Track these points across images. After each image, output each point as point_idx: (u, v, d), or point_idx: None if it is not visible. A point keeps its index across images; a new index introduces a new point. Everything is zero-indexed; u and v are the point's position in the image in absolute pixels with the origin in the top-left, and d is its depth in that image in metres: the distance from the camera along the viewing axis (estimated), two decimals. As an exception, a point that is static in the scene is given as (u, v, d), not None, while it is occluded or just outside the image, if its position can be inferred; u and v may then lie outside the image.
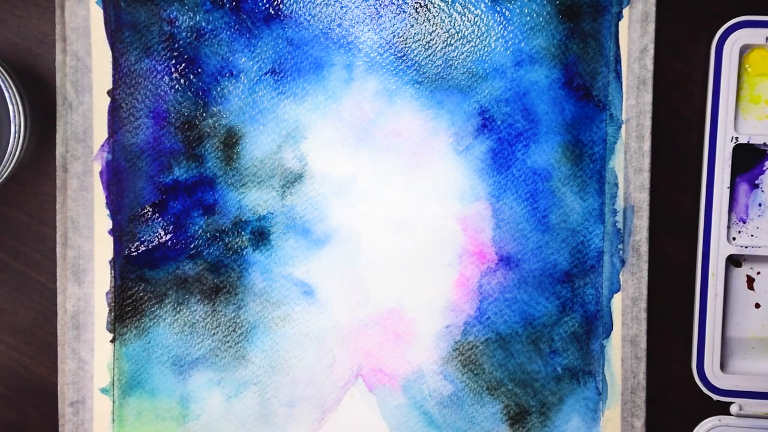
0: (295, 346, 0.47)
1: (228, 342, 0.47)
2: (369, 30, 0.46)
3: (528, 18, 0.46)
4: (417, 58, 0.46)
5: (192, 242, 0.47)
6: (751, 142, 0.46)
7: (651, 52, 0.46)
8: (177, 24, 0.46)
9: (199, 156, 0.46)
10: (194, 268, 0.47)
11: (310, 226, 0.47)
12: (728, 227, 0.47)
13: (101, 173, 0.46)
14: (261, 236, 0.47)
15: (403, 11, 0.46)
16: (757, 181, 0.48)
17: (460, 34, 0.46)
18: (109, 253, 0.46)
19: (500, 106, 0.46)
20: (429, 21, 0.46)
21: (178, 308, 0.47)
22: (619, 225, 0.46)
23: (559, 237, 0.47)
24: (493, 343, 0.47)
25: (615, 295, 0.47)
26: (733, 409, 0.47)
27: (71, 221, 0.46)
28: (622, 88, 0.46)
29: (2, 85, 0.43)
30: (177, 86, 0.46)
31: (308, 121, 0.46)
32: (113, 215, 0.46)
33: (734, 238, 0.48)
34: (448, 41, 0.46)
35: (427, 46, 0.46)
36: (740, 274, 0.48)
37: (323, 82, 0.46)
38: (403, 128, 0.47)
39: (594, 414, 0.47)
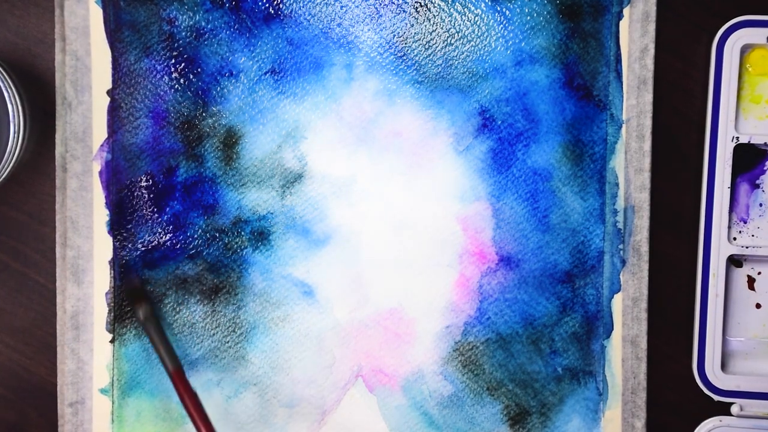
0: (294, 347, 0.47)
1: (228, 342, 0.47)
2: (369, 29, 0.46)
3: (528, 17, 0.46)
4: (417, 58, 0.46)
5: (191, 242, 0.47)
6: (751, 142, 0.46)
7: (651, 51, 0.46)
8: (176, 23, 0.46)
9: (199, 156, 0.46)
10: (194, 268, 0.47)
11: (310, 226, 0.47)
12: (729, 227, 0.47)
13: (101, 173, 0.46)
14: (261, 236, 0.47)
15: (403, 11, 0.46)
16: (757, 181, 0.47)
17: (460, 34, 0.46)
18: (108, 254, 0.46)
19: (500, 106, 0.46)
20: (429, 20, 0.46)
21: (177, 308, 0.47)
22: (620, 225, 0.46)
23: (559, 237, 0.47)
24: (494, 344, 0.47)
25: (615, 296, 0.47)
26: (734, 409, 0.47)
27: (71, 221, 0.46)
28: (622, 87, 0.46)
29: (1, 85, 0.43)
30: (176, 86, 0.46)
31: (308, 120, 0.46)
32: (112, 215, 0.46)
33: (735, 239, 0.48)
34: (449, 41, 0.46)
35: (427, 46, 0.46)
36: (741, 274, 0.48)
37: (323, 82, 0.46)
38: (403, 128, 0.47)
39: (594, 414, 0.47)
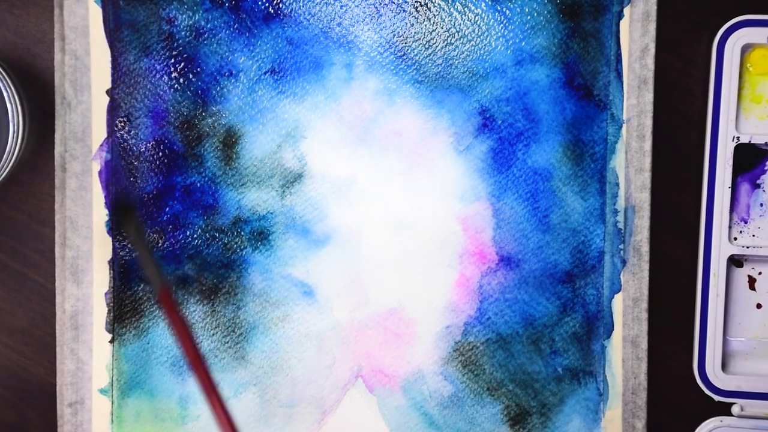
0: (294, 347, 0.47)
1: (227, 342, 0.47)
2: (369, 29, 0.46)
3: (528, 17, 0.46)
4: (417, 58, 0.46)
5: (191, 242, 0.46)
6: (752, 141, 0.46)
7: (652, 51, 0.46)
8: (176, 23, 0.46)
9: (199, 156, 0.46)
10: (193, 268, 0.47)
11: (309, 226, 0.47)
12: (729, 227, 0.47)
13: (100, 173, 0.46)
14: (260, 236, 0.46)
15: (404, 10, 0.46)
16: (758, 181, 0.47)
17: (460, 33, 0.46)
18: (108, 253, 0.46)
19: (501, 106, 0.46)
20: (429, 20, 0.46)
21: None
22: (620, 225, 0.46)
23: (559, 237, 0.47)
24: (494, 344, 0.47)
25: (616, 296, 0.47)
26: (735, 409, 0.47)
27: (70, 221, 0.46)
28: (623, 87, 0.46)
29: (1, 85, 0.43)
30: (176, 85, 0.46)
31: (308, 120, 0.46)
32: (112, 215, 0.46)
33: (735, 239, 0.47)
34: (449, 40, 0.46)
35: (427, 46, 0.46)
36: (742, 274, 0.48)
37: (323, 82, 0.46)
38: (403, 128, 0.46)
39: (595, 415, 0.47)
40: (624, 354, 0.47)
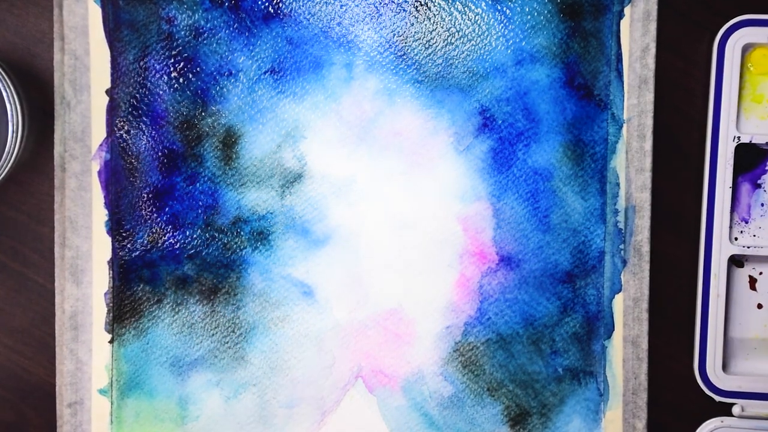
0: (294, 347, 0.47)
1: (227, 343, 0.47)
2: (369, 29, 0.46)
3: (529, 17, 0.46)
4: (417, 57, 0.46)
5: (191, 242, 0.46)
6: (753, 141, 0.46)
7: (652, 51, 0.46)
8: (176, 23, 0.46)
9: (198, 155, 0.46)
10: (193, 268, 0.46)
11: (309, 226, 0.47)
12: (730, 227, 0.47)
13: (99, 173, 0.46)
14: (260, 236, 0.46)
15: (404, 10, 0.46)
16: (759, 181, 0.47)
17: (460, 33, 0.46)
18: (107, 254, 0.46)
19: (501, 106, 0.46)
20: (429, 19, 0.46)
21: (176, 309, 0.47)
22: (621, 225, 0.46)
23: (560, 237, 0.46)
24: (494, 344, 0.47)
25: (616, 296, 0.46)
26: (736, 410, 0.47)
27: (69, 221, 0.46)
28: (623, 87, 0.46)
29: (0, 85, 0.43)
30: (176, 85, 0.46)
31: (308, 120, 0.46)
32: (112, 215, 0.46)
33: (736, 239, 0.47)
34: (449, 40, 0.46)
35: (427, 45, 0.46)
36: (742, 274, 0.48)
37: (323, 81, 0.46)
38: (403, 128, 0.46)
39: (595, 415, 0.47)
40: (624, 354, 0.47)
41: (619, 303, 0.46)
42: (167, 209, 0.46)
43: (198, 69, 0.46)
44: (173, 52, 0.46)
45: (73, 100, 0.46)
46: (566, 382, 0.47)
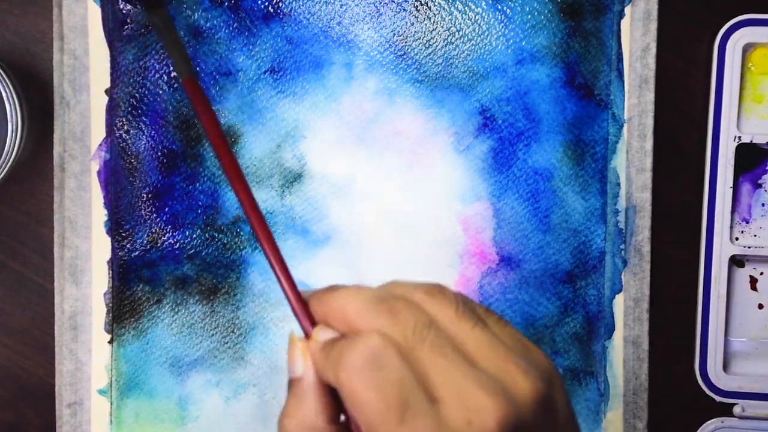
0: (294, 347, 0.47)
1: (227, 343, 0.47)
2: (369, 28, 0.46)
3: (529, 16, 0.46)
4: (417, 57, 0.46)
5: (190, 242, 0.46)
6: (753, 141, 0.46)
7: (653, 50, 0.45)
8: (175, 22, 0.46)
9: (198, 155, 0.46)
10: (193, 268, 0.46)
11: (309, 226, 0.46)
12: (731, 227, 0.47)
13: (99, 173, 0.46)
14: (260, 236, 0.46)
15: (404, 9, 0.46)
16: (759, 181, 0.47)
17: (460, 33, 0.46)
18: (107, 254, 0.46)
19: (501, 105, 0.46)
20: (429, 19, 0.46)
21: (176, 309, 0.46)
22: (621, 225, 0.46)
23: (560, 237, 0.46)
24: (494, 344, 0.47)
25: (617, 296, 0.46)
26: (736, 410, 0.47)
27: (69, 221, 0.46)
28: (623, 86, 0.46)
29: (-1, 84, 0.43)
30: (175, 85, 0.46)
31: (308, 120, 0.46)
32: (111, 215, 0.46)
33: (737, 239, 0.47)
34: (449, 39, 0.46)
35: (427, 45, 0.46)
36: (743, 274, 0.48)
37: (323, 81, 0.46)
38: (403, 127, 0.46)
39: (596, 415, 0.47)
40: (625, 354, 0.46)
41: (619, 303, 0.46)
42: (167, 209, 0.46)
43: (198, 69, 0.46)
44: (173, 52, 0.46)
45: (72, 100, 0.46)
46: (566, 382, 0.47)
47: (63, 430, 0.46)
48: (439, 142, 0.46)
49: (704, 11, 0.47)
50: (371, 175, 0.46)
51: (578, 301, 0.47)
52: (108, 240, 0.46)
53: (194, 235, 0.46)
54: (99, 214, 0.46)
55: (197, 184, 0.46)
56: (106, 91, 0.46)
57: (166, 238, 0.46)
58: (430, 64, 0.46)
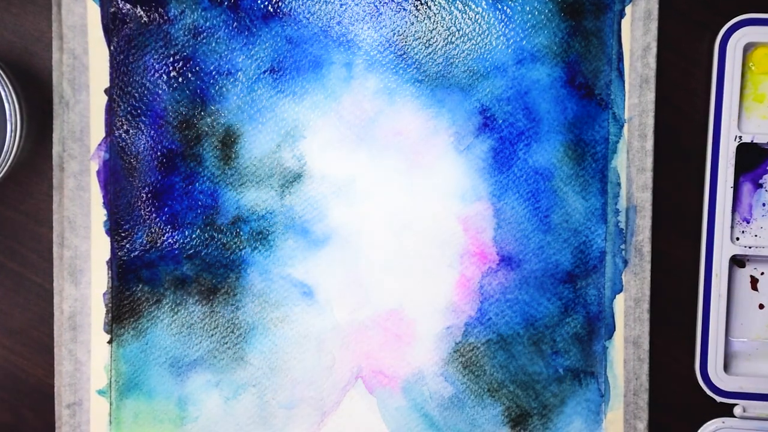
0: (294, 348, 0.47)
1: (226, 343, 0.47)
2: (369, 28, 0.46)
3: (529, 16, 0.46)
4: (417, 57, 0.46)
5: (190, 242, 0.46)
6: (754, 141, 0.46)
7: (654, 50, 0.45)
8: (175, 22, 0.46)
9: (197, 155, 0.46)
10: (192, 268, 0.46)
11: (309, 226, 0.46)
12: (732, 227, 0.47)
13: (98, 172, 0.46)
14: (260, 236, 0.46)
15: (404, 9, 0.46)
16: (760, 181, 0.47)
17: (461, 32, 0.46)
18: (106, 254, 0.46)
19: (501, 105, 0.46)
20: (429, 19, 0.46)
21: (175, 309, 0.46)
22: (622, 225, 0.46)
23: (561, 237, 0.46)
24: (494, 345, 0.47)
25: (617, 296, 0.46)
26: (737, 411, 0.47)
27: (68, 221, 0.46)
28: (624, 86, 0.46)
29: (-2, 84, 0.43)
30: (175, 85, 0.46)
31: (307, 120, 0.46)
32: (110, 215, 0.46)
33: (738, 239, 0.47)
34: (449, 39, 0.46)
35: (427, 44, 0.46)
36: (744, 274, 0.48)
37: (322, 81, 0.46)
38: (403, 127, 0.46)
39: (596, 416, 0.47)
40: (625, 355, 0.46)
41: (620, 303, 0.46)
42: (166, 209, 0.46)
43: (197, 68, 0.46)
44: (172, 52, 0.46)
45: (71, 100, 0.45)
46: (567, 382, 0.47)
47: (62, 431, 0.46)
48: (440, 141, 0.46)
49: (705, 11, 0.47)
50: (371, 175, 0.46)
51: (579, 301, 0.46)
52: (107, 240, 0.46)
53: (194, 235, 0.46)
54: (98, 214, 0.46)
55: (196, 183, 0.46)
56: (106, 91, 0.46)
57: (165, 238, 0.46)
58: (430, 63, 0.46)
